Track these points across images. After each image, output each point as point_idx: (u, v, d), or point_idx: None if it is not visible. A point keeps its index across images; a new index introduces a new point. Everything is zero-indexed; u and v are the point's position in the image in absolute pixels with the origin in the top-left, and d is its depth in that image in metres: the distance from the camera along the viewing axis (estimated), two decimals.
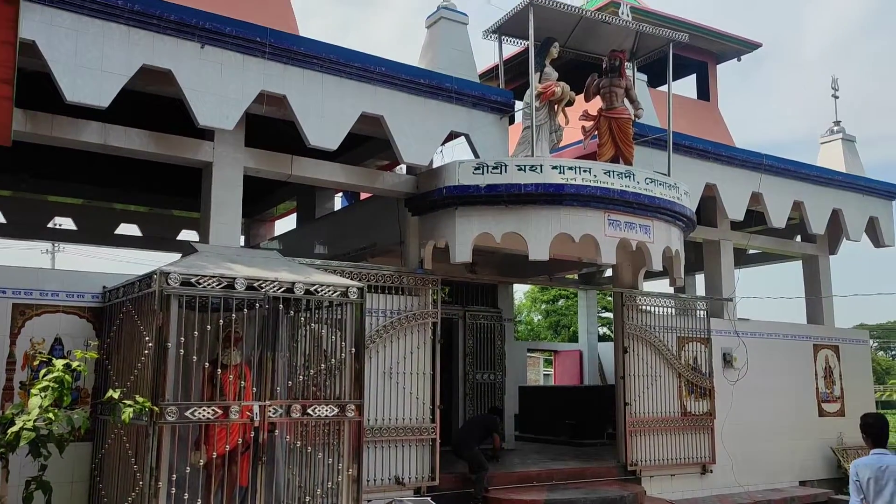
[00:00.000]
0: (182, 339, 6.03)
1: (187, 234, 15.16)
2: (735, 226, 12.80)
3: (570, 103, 9.81)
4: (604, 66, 10.32)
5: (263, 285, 6.38)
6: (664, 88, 14.25)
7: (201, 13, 7.45)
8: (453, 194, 8.79)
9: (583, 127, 10.25)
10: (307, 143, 8.13)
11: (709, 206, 12.36)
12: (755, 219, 12.53)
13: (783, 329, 13.05)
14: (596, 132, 10.17)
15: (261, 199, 14.17)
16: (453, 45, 9.70)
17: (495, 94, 9.51)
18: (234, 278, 6.21)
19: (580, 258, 11.06)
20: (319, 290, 6.71)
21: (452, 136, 9.33)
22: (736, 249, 13.20)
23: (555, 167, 8.71)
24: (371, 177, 9.57)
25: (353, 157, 11.04)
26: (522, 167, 8.70)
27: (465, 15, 9.91)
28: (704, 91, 14.22)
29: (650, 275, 14.33)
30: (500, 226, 8.74)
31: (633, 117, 10.12)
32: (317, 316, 7.02)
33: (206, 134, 8.24)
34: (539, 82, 9.50)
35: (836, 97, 14.43)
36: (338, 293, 6.81)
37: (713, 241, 12.57)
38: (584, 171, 8.81)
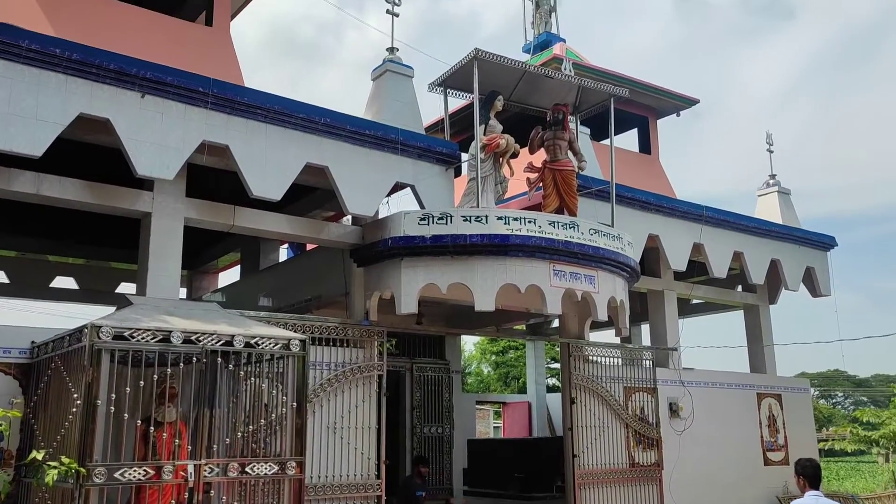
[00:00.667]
0: (114, 395, 5.78)
1: (127, 287, 14.74)
2: (678, 276, 13.01)
3: (515, 155, 9.93)
4: (548, 119, 10.50)
5: (201, 338, 6.18)
6: (607, 142, 14.63)
7: (142, 62, 7.36)
8: (399, 245, 8.74)
9: (527, 179, 10.37)
10: (250, 193, 8.03)
11: (652, 256, 12.57)
12: (697, 269, 12.76)
13: (727, 378, 13.20)
14: (540, 184, 10.29)
15: (204, 250, 13.92)
16: (398, 98, 9.77)
17: (441, 145, 9.58)
18: (171, 331, 6.00)
19: (528, 309, 11.07)
20: (260, 342, 6.54)
21: (398, 187, 9.32)
22: (680, 299, 13.40)
23: (500, 218, 8.76)
24: (316, 228, 9.47)
25: (299, 208, 10.94)
26: (468, 218, 8.72)
27: (411, 68, 10.01)
28: (646, 145, 14.58)
29: (597, 325, 14.43)
30: (445, 276, 8.70)
31: (576, 169, 10.28)
32: (258, 370, 6.83)
33: (146, 184, 8.06)
34: (484, 135, 9.60)
35: (771, 151, 14.95)
36: (279, 346, 6.64)
37: (657, 291, 12.74)
38: (530, 221, 8.87)
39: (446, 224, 8.71)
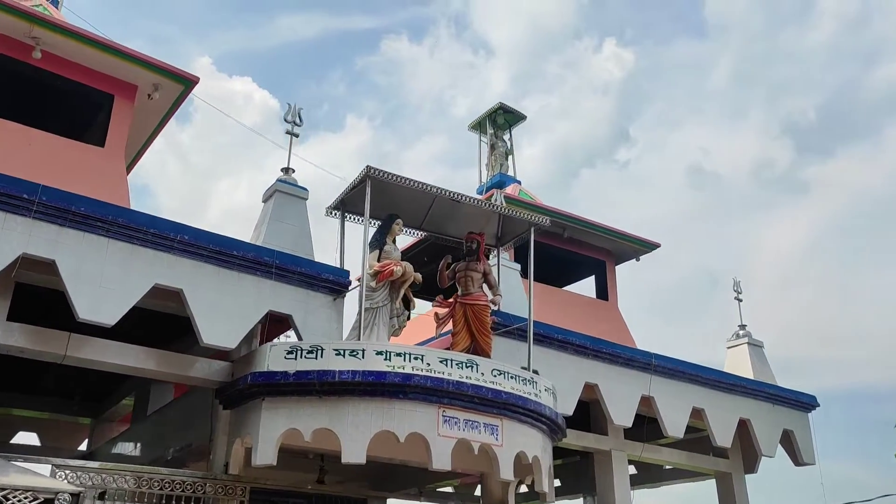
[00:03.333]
0: None
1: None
2: (632, 436, 11.36)
3: (415, 285, 8.75)
4: (463, 249, 9.45)
5: None
6: (569, 288, 13.48)
7: None
8: (258, 382, 7.46)
9: (435, 314, 9.16)
10: (76, 316, 6.93)
11: (599, 411, 11.03)
12: (655, 429, 11.13)
13: None
14: (451, 323, 9.05)
15: (106, 396, 12.60)
16: (287, 220, 8.84)
17: (328, 272, 8.51)
18: None
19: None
20: (10, 496, 5.13)
21: (274, 317, 8.16)
22: (649, 465, 11.63)
23: (379, 353, 7.47)
24: (180, 363, 8.22)
25: (184, 345, 9.73)
26: (341, 352, 7.45)
27: (305, 189, 9.17)
28: (603, 290, 13.42)
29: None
30: (310, 420, 7.31)
31: (490, 304, 9.06)
32: None
33: None
34: (377, 261, 8.50)
35: (740, 300, 13.71)
36: (38, 502, 5.22)
37: (604, 451, 11.07)
38: (416, 358, 7.56)
39: (316, 359, 7.45)
